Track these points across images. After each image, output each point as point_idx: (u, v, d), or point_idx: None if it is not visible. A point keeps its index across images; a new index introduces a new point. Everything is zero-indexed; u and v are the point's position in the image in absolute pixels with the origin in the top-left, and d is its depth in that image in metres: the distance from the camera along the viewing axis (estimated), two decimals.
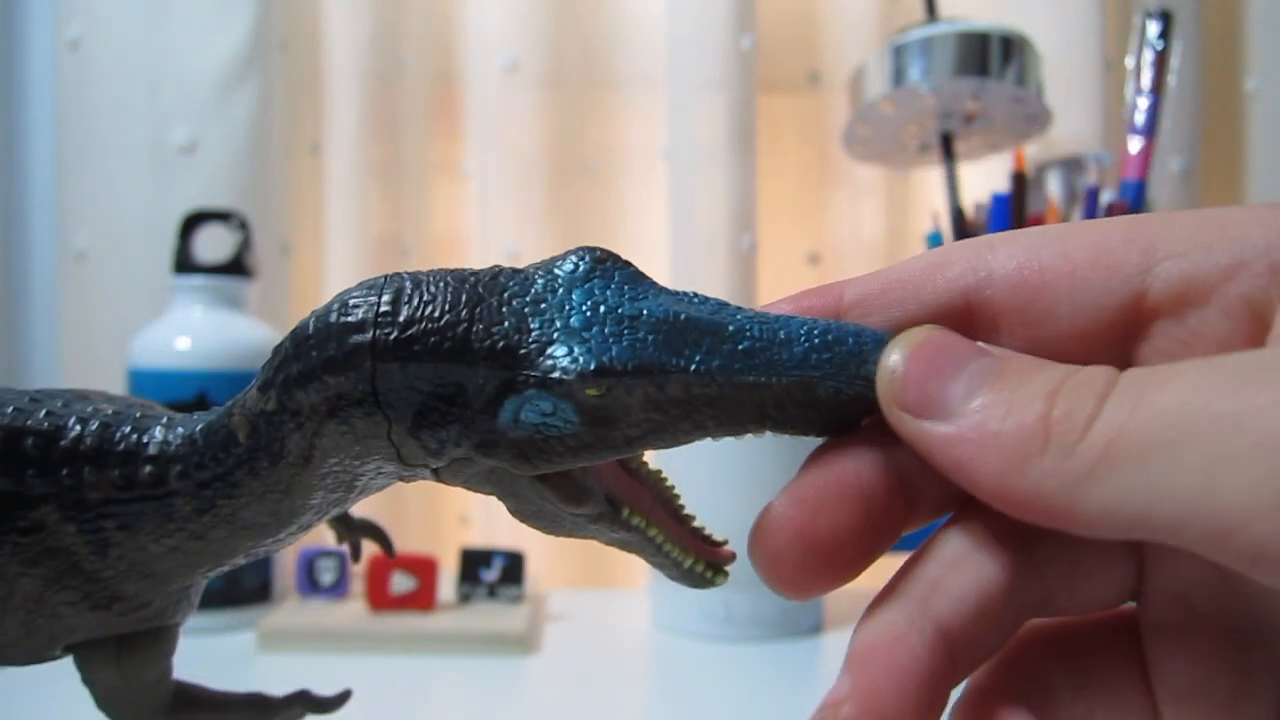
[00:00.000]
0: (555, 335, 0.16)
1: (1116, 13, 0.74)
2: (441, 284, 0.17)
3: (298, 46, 0.77)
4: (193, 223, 0.56)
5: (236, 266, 0.56)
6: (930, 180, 0.77)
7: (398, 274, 0.18)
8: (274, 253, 0.73)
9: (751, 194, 0.73)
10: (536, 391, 0.16)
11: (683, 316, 0.17)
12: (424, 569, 0.53)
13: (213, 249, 0.57)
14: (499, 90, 0.76)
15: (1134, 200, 0.58)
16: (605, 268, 0.17)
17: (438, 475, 0.18)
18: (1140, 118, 0.60)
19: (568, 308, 0.17)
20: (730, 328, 0.17)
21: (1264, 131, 0.79)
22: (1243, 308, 0.15)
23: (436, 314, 0.17)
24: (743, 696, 0.45)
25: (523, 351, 0.16)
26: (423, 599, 0.53)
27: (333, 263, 0.76)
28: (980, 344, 0.16)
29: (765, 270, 0.75)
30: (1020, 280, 0.16)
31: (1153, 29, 0.60)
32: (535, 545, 0.59)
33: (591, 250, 0.18)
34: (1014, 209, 0.58)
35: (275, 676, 0.46)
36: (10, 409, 0.20)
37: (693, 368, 0.16)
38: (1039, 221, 0.59)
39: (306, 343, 0.18)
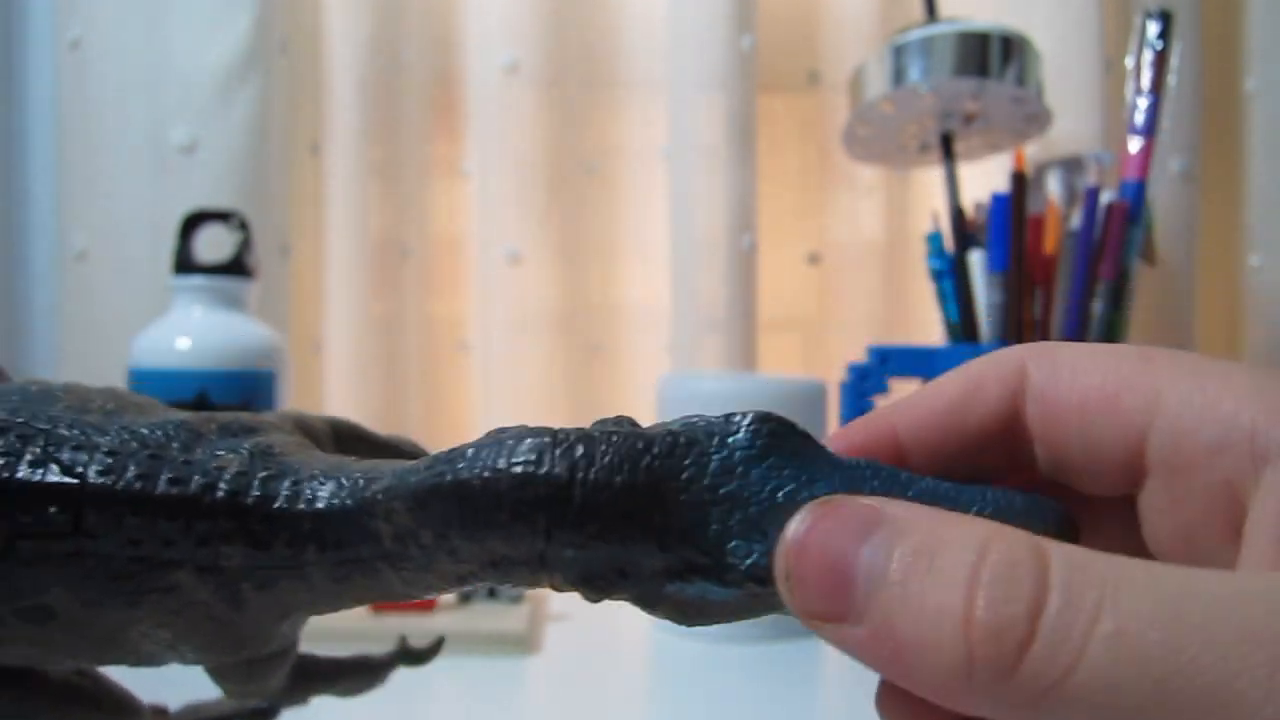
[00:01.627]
0: (734, 529, 0.16)
1: (1116, 13, 0.74)
2: (618, 460, 0.16)
3: (298, 46, 0.77)
4: (193, 223, 0.56)
5: (236, 266, 0.56)
6: (930, 180, 0.77)
7: (566, 435, 0.17)
8: (274, 253, 0.73)
9: (751, 194, 0.73)
10: (712, 584, 0.16)
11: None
12: None
13: (213, 249, 0.57)
14: (499, 90, 0.76)
15: (1134, 200, 0.58)
16: (779, 442, 0.17)
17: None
18: (1140, 118, 0.60)
19: (747, 495, 0.16)
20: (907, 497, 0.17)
21: (1264, 131, 0.79)
22: (1223, 489, 0.15)
23: (614, 500, 0.16)
24: (743, 696, 0.45)
25: (703, 546, 0.16)
26: (423, 599, 0.53)
27: (333, 263, 0.76)
28: (871, 503, 0.15)
29: (765, 270, 0.75)
30: (1045, 414, 0.17)
31: (1153, 29, 0.60)
32: None
33: (765, 420, 0.17)
34: (1014, 209, 0.58)
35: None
36: (133, 467, 0.18)
37: None
38: (1039, 222, 0.59)
39: (471, 503, 0.17)
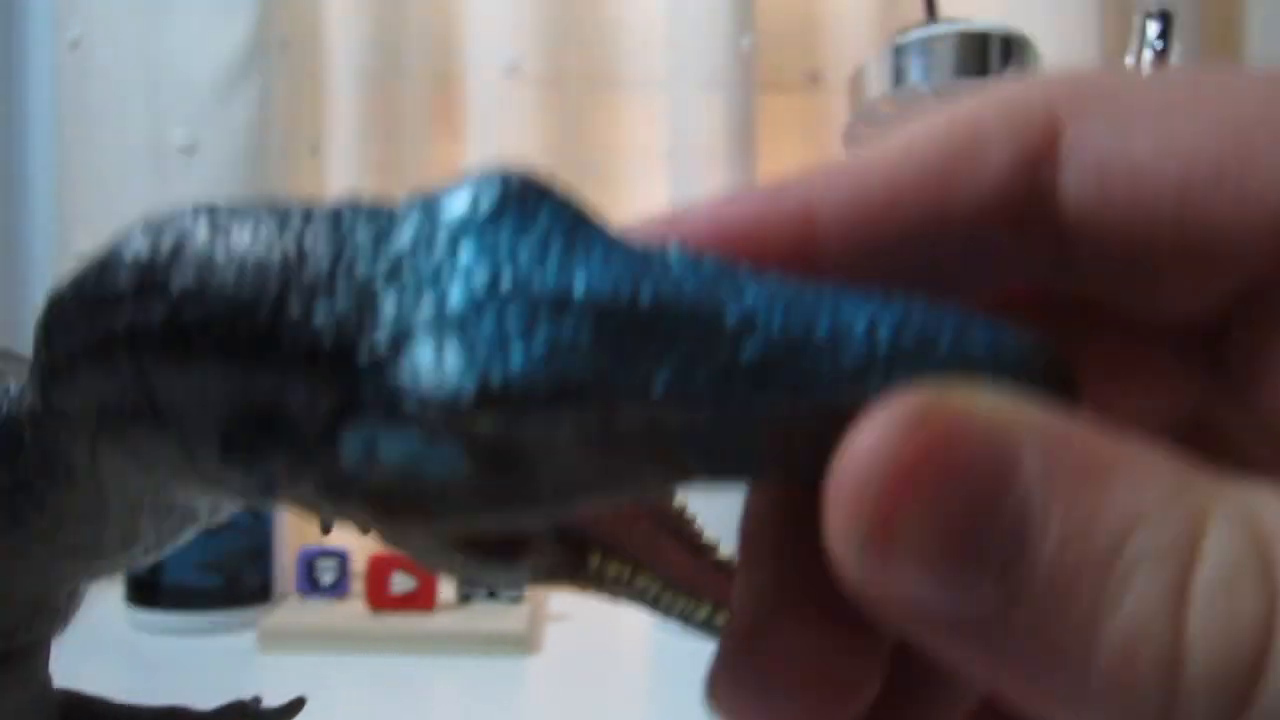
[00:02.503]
0: (418, 324, 0.10)
1: (1116, 13, 0.74)
2: (249, 229, 0.11)
3: (298, 46, 0.77)
4: None
5: None
6: None
7: (197, 210, 0.12)
8: None
9: None
10: (383, 421, 0.10)
11: (646, 296, 0.10)
12: (424, 569, 0.53)
13: None
14: (499, 90, 0.76)
15: None
16: (523, 206, 0.11)
17: (295, 508, 0.12)
18: None
19: (446, 274, 0.10)
20: (731, 317, 0.10)
21: None
22: None
23: (230, 283, 0.11)
24: None
25: (362, 357, 0.10)
26: (423, 599, 0.53)
27: None
28: (1005, 420, 0.09)
29: None
30: (1099, 197, 0.10)
31: (1153, 29, 0.60)
32: None
33: (505, 177, 0.11)
34: None
35: (275, 676, 0.46)
36: None
37: (660, 388, 0.10)
38: None
39: (59, 320, 0.12)
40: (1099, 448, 0.09)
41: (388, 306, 0.10)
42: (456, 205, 0.11)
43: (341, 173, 0.75)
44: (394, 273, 0.10)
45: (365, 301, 0.10)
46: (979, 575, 0.09)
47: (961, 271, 0.11)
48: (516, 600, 0.55)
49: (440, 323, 0.10)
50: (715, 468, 0.11)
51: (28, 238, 0.82)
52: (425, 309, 0.10)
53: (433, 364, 0.10)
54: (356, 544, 0.63)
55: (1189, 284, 0.11)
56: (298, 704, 0.23)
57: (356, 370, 0.10)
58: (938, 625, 0.09)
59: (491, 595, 0.55)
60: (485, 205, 0.11)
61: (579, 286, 0.10)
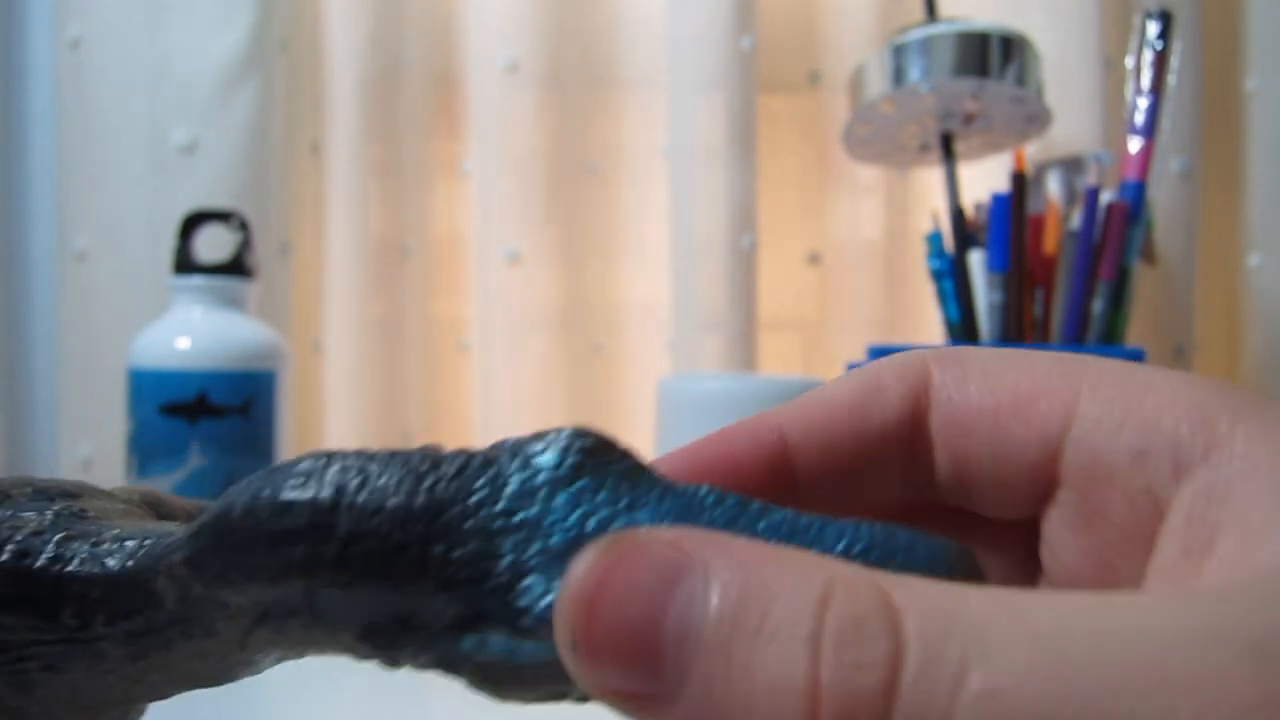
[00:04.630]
0: (530, 563, 0.13)
1: (1116, 13, 0.74)
2: (395, 482, 0.14)
3: (298, 46, 0.77)
4: (193, 223, 0.57)
5: (236, 266, 0.56)
6: (930, 180, 0.77)
7: (342, 458, 0.14)
8: (274, 253, 0.73)
9: (751, 194, 0.73)
10: (503, 632, 0.13)
11: None
12: None
13: (213, 249, 0.57)
14: (499, 90, 0.76)
15: (1134, 200, 0.58)
16: (596, 462, 0.14)
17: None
18: (1140, 118, 0.60)
19: (547, 522, 0.14)
20: None
21: (1264, 131, 0.79)
22: (1144, 500, 0.14)
23: (385, 528, 0.14)
24: None
25: (489, 585, 0.14)
26: None
27: (333, 263, 0.76)
28: (674, 537, 0.12)
29: (765, 270, 0.75)
30: (951, 420, 0.15)
31: (1153, 29, 0.60)
32: None
33: (580, 435, 0.14)
34: (1014, 209, 0.58)
35: (275, 676, 0.46)
36: None
37: None
38: (1039, 222, 0.59)
39: (231, 539, 0.15)
40: (751, 548, 0.11)
41: (506, 547, 0.14)
42: (547, 460, 0.14)
43: (341, 173, 0.76)
44: (508, 518, 0.14)
45: (489, 543, 0.14)
46: (655, 663, 0.11)
47: (879, 483, 0.16)
48: None
49: (546, 560, 0.14)
50: None
51: (28, 238, 0.82)
52: (534, 549, 0.14)
53: (543, 595, 0.13)
54: None
55: (1006, 490, 0.15)
56: None
57: (483, 597, 0.14)
58: (639, 706, 0.11)
59: None
60: (570, 462, 0.14)
61: (644, 525, 0.14)
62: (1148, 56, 0.60)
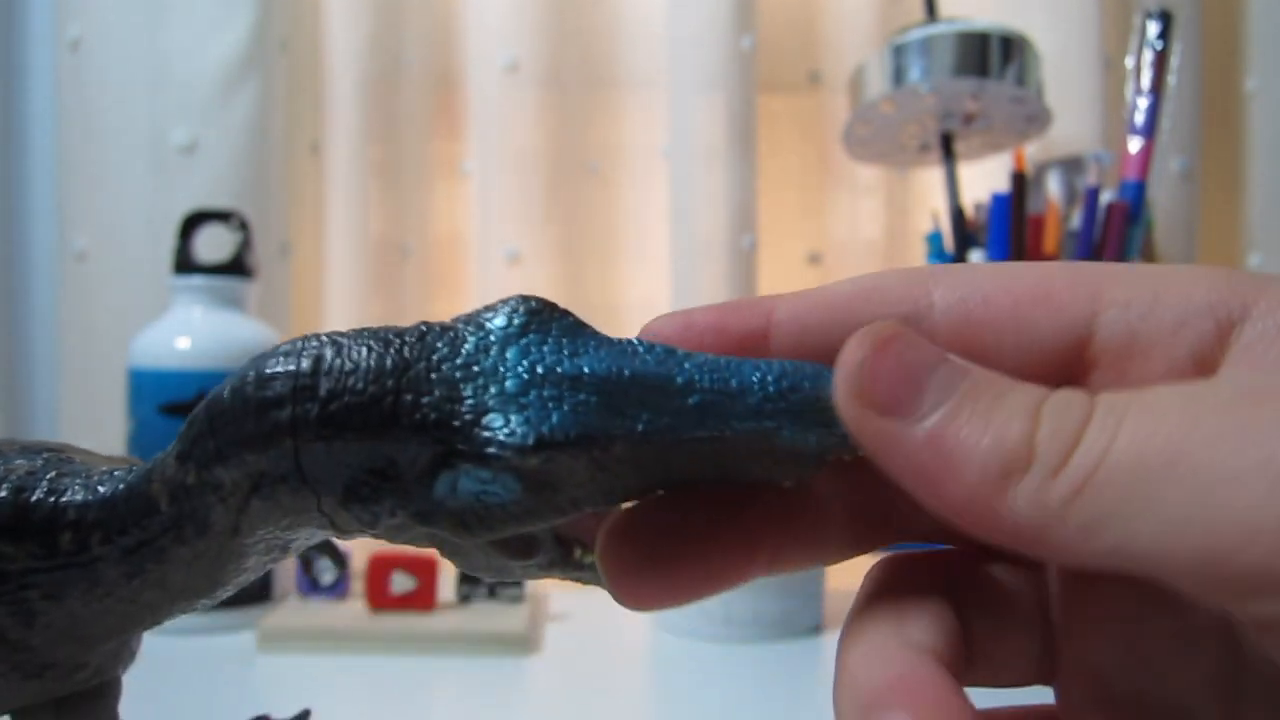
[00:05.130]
0: (490, 403, 0.15)
1: (1116, 13, 0.74)
2: (365, 349, 0.16)
3: (298, 46, 0.77)
4: (193, 223, 0.56)
5: (236, 266, 0.56)
6: (930, 180, 0.77)
7: (317, 338, 0.16)
8: (274, 253, 0.73)
9: (751, 194, 0.73)
10: (473, 466, 0.15)
11: (627, 373, 0.16)
12: (424, 569, 0.53)
13: (213, 249, 0.57)
14: (499, 90, 0.76)
15: (1134, 200, 0.58)
16: (541, 320, 0.16)
17: (377, 535, 0.17)
18: (1140, 118, 0.60)
19: (502, 370, 0.16)
20: (678, 380, 0.16)
21: (1264, 131, 0.79)
22: (1188, 363, 0.15)
23: (360, 385, 0.16)
24: (743, 696, 0.45)
25: (456, 424, 0.15)
26: (423, 599, 0.53)
27: (333, 263, 0.76)
28: (942, 350, 0.15)
29: (765, 270, 0.75)
30: (963, 314, 0.16)
31: (1153, 29, 0.60)
32: None
33: (525, 301, 0.16)
34: (1014, 209, 0.58)
35: (275, 676, 0.46)
36: None
37: (640, 429, 0.15)
38: (1039, 222, 0.59)
39: (223, 418, 0.16)
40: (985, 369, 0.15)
41: (468, 392, 0.15)
42: (498, 322, 0.16)
43: (341, 173, 0.75)
44: (468, 369, 0.16)
45: (452, 390, 0.16)
46: (917, 392, 0.14)
47: None
48: (516, 600, 0.55)
49: (504, 400, 0.15)
50: (672, 478, 0.16)
51: (28, 238, 0.82)
52: (493, 392, 0.15)
53: (503, 425, 0.15)
54: (356, 544, 0.63)
55: (1033, 375, 0.15)
56: (304, 715, 0.24)
57: (451, 435, 0.15)
58: (899, 446, 0.14)
59: (491, 595, 0.55)
60: (518, 321, 0.16)
61: (586, 370, 0.16)
62: (1148, 56, 0.60)
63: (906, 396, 0.14)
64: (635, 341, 0.16)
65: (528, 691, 0.46)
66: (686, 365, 0.16)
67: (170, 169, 0.70)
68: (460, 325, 0.16)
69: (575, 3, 0.77)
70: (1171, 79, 0.69)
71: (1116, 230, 0.58)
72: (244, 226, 0.57)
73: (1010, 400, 0.14)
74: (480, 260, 0.78)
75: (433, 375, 0.16)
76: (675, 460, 0.16)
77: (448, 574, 0.57)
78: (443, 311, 0.80)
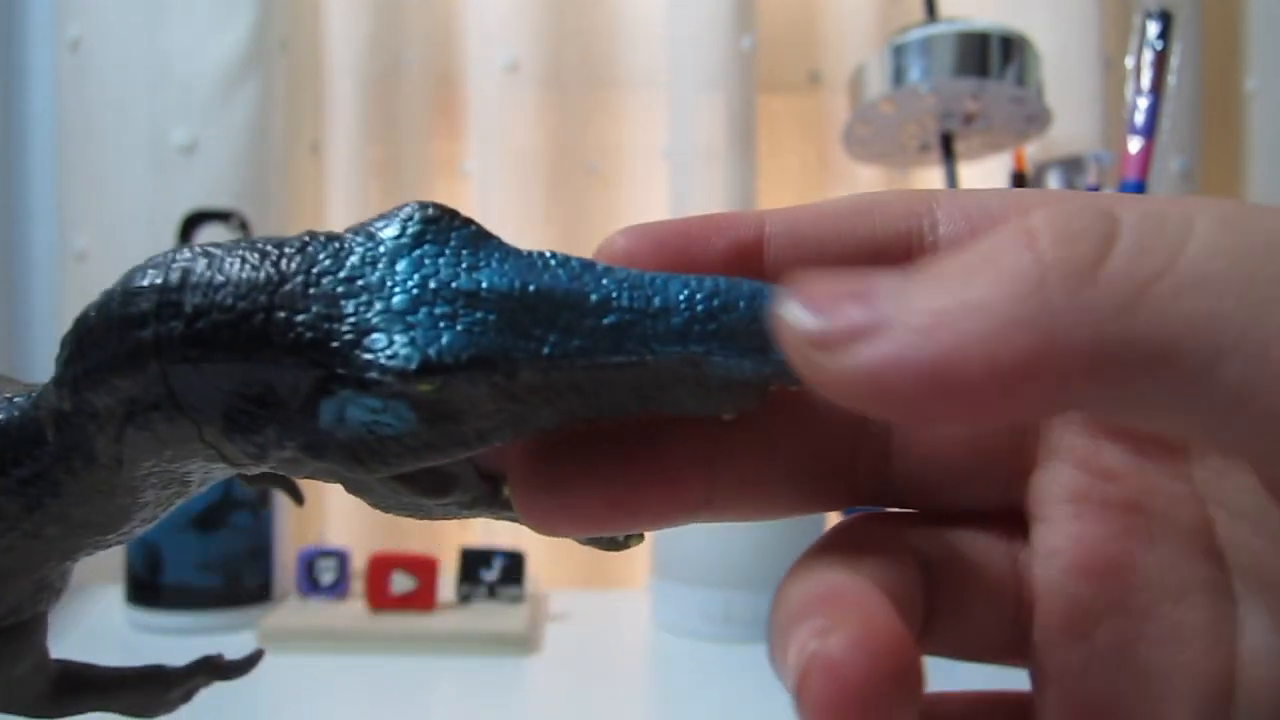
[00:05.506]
0: (374, 321, 0.13)
1: (1116, 13, 0.74)
2: (238, 261, 0.14)
3: (298, 46, 0.77)
4: (193, 223, 0.57)
5: None
6: (930, 180, 0.77)
7: (191, 249, 0.15)
8: None
9: (751, 194, 0.73)
10: (356, 392, 0.13)
11: (532, 288, 0.14)
12: (424, 569, 0.53)
13: None
14: (499, 90, 0.76)
15: None
16: (438, 230, 0.14)
17: (274, 469, 0.16)
18: (1140, 118, 0.60)
19: (390, 284, 0.14)
20: (593, 298, 0.14)
21: (1264, 131, 0.79)
22: None
23: (229, 301, 0.14)
24: (743, 696, 0.45)
25: (334, 344, 0.13)
26: (423, 599, 0.53)
27: None
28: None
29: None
30: (969, 233, 0.15)
31: (1152, 29, 0.60)
32: (536, 545, 0.59)
33: (423, 207, 0.15)
34: None
35: (275, 676, 0.46)
36: None
37: (546, 352, 0.13)
38: None
39: (89, 338, 0.15)
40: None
41: (349, 309, 0.14)
42: (390, 231, 0.14)
43: (341, 173, 0.76)
44: (351, 284, 0.14)
45: (332, 306, 0.14)
46: (872, 296, 0.12)
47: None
48: (516, 600, 0.55)
49: (389, 318, 0.13)
50: (590, 408, 0.14)
51: (28, 238, 0.82)
52: (377, 309, 0.14)
53: (386, 346, 0.13)
54: (356, 544, 0.63)
55: None
56: (257, 655, 0.24)
57: (329, 356, 0.13)
58: (857, 339, 0.12)
59: (491, 595, 0.55)
60: (411, 230, 0.14)
61: (484, 285, 0.14)
62: (1148, 56, 0.60)
63: (863, 319, 0.12)
64: (548, 254, 0.14)
65: (528, 691, 0.46)
66: (604, 281, 0.14)
67: (170, 169, 0.70)
68: (349, 235, 0.15)
69: (575, 3, 0.77)
70: (1171, 79, 0.69)
71: None
72: (244, 226, 0.57)
73: (996, 243, 0.12)
74: None
75: (311, 290, 0.14)
76: (592, 388, 0.14)
77: (448, 574, 0.57)
78: None
